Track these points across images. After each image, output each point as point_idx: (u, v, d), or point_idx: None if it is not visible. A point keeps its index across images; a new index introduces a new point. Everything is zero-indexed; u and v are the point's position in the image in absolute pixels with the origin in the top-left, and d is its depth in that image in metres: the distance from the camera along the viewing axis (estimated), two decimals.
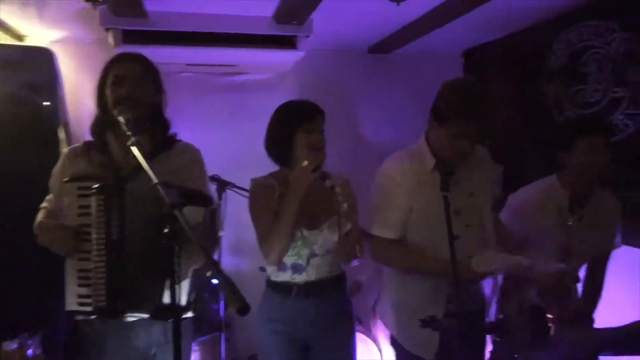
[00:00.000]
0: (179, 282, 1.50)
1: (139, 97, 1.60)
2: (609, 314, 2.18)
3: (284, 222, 1.72)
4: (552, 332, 1.69)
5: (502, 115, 3.54)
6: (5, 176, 2.49)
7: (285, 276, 1.85)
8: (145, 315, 1.55)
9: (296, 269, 1.84)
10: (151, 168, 1.52)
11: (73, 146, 1.73)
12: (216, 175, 2.65)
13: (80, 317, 1.59)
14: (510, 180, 2.11)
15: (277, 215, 1.75)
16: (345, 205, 1.75)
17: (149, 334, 1.62)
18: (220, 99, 3.55)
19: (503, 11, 2.78)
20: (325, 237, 1.81)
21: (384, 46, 3.55)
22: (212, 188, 2.64)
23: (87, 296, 1.50)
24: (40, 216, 1.65)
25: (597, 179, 2.00)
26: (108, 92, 1.61)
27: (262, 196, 1.82)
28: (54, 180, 1.69)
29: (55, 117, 2.71)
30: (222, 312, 2.68)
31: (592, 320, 2.13)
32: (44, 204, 1.70)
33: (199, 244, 1.04)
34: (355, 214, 1.81)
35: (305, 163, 1.69)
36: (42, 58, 2.75)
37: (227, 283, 0.86)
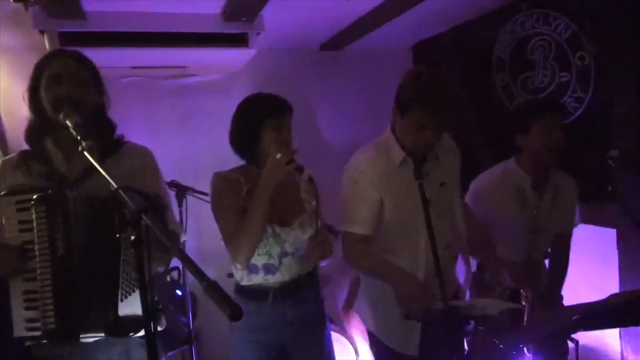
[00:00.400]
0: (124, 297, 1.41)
1: (80, 97, 1.46)
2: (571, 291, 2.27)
3: (255, 217, 1.62)
4: (525, 313, 1.71)
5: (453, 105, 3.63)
6: None
7: (257, 279, 1.76)
8: (101, 335, 1.42)
9: (269, 269, 1.75)
10: (98, 178, 1.43)
11: (7, 157, 1.55)
12: (175, 180, 2.54)
13: (29, 343, 1.44)
14: (466, 168, 2.15)
15: (246, 211, 1.65)
16: (313, 202, 1.72)
17: (109, 356, 1.49)
18: (169, 102, 3.41)
19: (449, 3, 2.83)
20: (297, 235, 1.75)
21: (335, 43, 3.54)
22: (171, 193, 2.52)
23: (35, 320, 1.36)
24: None
25: (554, 158, 2.05)
26: (44, 93, 1.45)
27: (228, 191, 1.71)
28: None
29: None
30: (191, 324, 2.56)
31: (561, 298, 2.20)
32: None
33: (176, 250, 0.95)
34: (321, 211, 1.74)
35: (279, 155, 1.60)
36: None
37: (213, 287, 0.79)
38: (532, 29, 2.72)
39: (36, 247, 1.35)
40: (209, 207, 2.54)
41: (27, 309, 1.37)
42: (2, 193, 1.38)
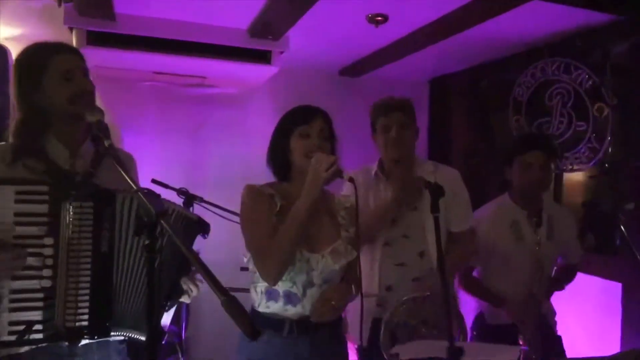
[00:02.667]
0: (162, 296, 1.37)
1: (93, 92, 1.43)
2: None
3: (293, 230, 1.47)
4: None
5: (465, 142, 3.65)
6: None
7: (276, 307, 1.57)
8: (135, 333, 1.38)
9: (289, 299, 1.56)
10: (101, 175, 1.38)
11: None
12: (184, 188, 2.52)
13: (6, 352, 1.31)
14: (478, 205, 2.16)
15: (277, 229, 1.51)
16: (352, 230, 1.62)
17: None
18: (185, 111, 3.43)
19: (472, 43, 2.87)
20: (327, 264, 1.55)
21: (355, 69, 3.58)
22: (179, 201, 2.50)
23: (35, 322, 1.25)
24: None
25: (535, 194, 2.10)
26: (56, 89, 1.37)
27: (261, 204, 1.56)
28: None
29: (6, 117, 2.50)
30: (183, 335, 2.50)
31: (559, 338, 2.17)
32: None
33: (197, 261, 0.92)
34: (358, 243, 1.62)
35: (318, 164, 1.46)
36: None
37: (232, 302, 0.76)
38: (553, 75, 2.74)
39: (67, 242, 1.27)
40: (214, 217, 2.55)
41: (13, 310, 1.24)
42: None
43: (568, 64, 2.64)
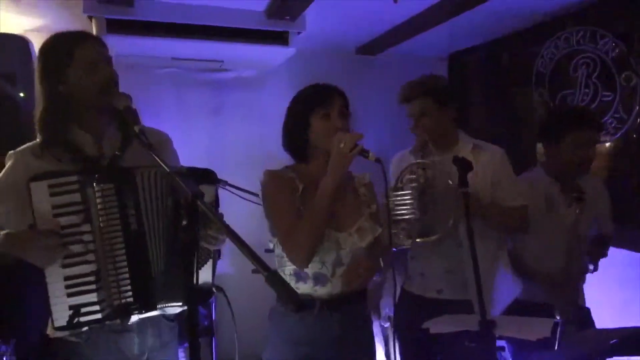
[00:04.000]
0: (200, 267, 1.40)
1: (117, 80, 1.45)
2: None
3: (320, 210, 1.47)
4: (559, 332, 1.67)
5: (484, 118, 3.60)
6: None
7: (305, 287, 1.58)
8: (179, 304, 1.42)
9: (319, 279, 1.56)
10: (129, 158, 1.39)
11: (25, 147, 1.44)
12: None
13: (63, 334, 1.38)
14: None
15: (301, 212, 1.53)
16: (373, 206, 1.63)
17: (144, 339, 1.48)
18: (202, 95, 3.45)
19: (490, 16, 2.81)
20: (354, 242, 1.57)
21: (371, 47, 3.54)
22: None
23: (89, 304, 1.32)
24: None
25: (582, 172, 2.03)
26: (84, 78, 1.38)
27: (283, 189, 1.56)
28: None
29: (31, 110, 2.54)
30: (214, 316, 2.56)
31: (592, 320, 2.15)
32: None
33: (237, 240, 0.92)
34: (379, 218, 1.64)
35: (341, 144, 1.45)
36: (18, 47, 2.57)
37: (275, 276, 0.78)
38: (577, 45, 2.68)
39: (94, 226, 1.32)
40: (236, 200, 2.58)
41: (71, 295, 1.31)
42: (30, 178, 1.30)
43: (593, 33, 2.57)
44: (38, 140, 1.43)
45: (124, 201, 1.34)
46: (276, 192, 1.58)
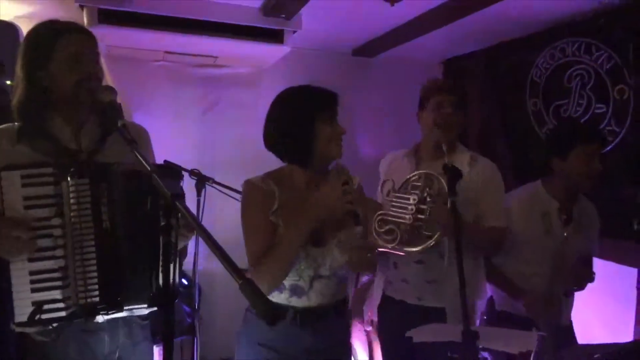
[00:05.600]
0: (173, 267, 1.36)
1: (101, 74, 1.41)
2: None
3: (288, 250, 1.43)
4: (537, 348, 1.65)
5: (478, 125, 3.59)
6: None
7: (280, 297, 1.53)
8: (143, 306, 1.38)
9: (295, 291, 1.52)
10: (108, 153, 1.36)
11: (2, 128, 1.39)
12: (196, 169, 2.51)
13: (30, 330, 1.34)
14: None
15: (276, 227, 1.47)
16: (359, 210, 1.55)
17: (115, 338, 1.44)
18: (195, 91, 3.41)
19: (489, 22, 2.79)
20: (334, 257, 1.52)
21: (368, 49, 3.52)
22: (191, 182, 2.50)
23: (53, 301, 1.28)
24: None
25: (588, 186, 2.00)
26: (65, 71, 1.35)
27: (257, 205, 1.50)
28: None
29: None
30: (196, 315, 2.53)
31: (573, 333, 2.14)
32: None
33: (213, 244, 0.88)
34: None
35: (331, 188, 1.43)
36: (6, 34, 2.52)
37: (249, 285, 0.75)
38: (573, 56, 2.67)
39: (71, 221, 1.28)
40: (225, 198, 2.55)
41: (35, 290, 1.27)
42: (2, 167, 1.27)
43: (589, 44, 2.57)
44: (13, 126, 1.39)
45: (98, 197, 1.30)
46: (250, 208, 1.52)
